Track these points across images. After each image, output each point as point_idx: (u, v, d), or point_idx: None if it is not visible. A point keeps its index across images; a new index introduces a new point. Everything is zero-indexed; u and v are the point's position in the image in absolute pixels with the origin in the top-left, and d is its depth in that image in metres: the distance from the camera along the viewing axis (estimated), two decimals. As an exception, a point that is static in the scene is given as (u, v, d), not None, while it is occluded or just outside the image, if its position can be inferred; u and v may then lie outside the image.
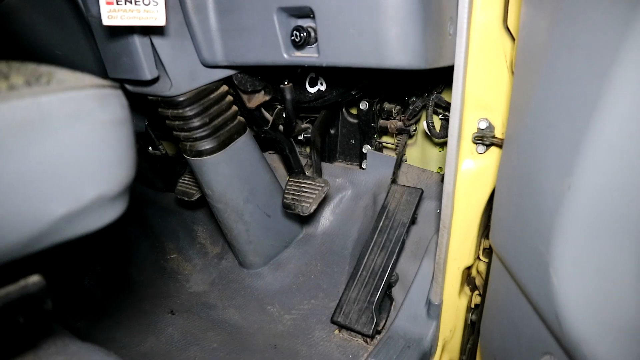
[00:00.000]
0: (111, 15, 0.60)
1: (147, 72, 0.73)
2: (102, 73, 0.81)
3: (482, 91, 0.72)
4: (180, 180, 1.14)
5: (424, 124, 0.96)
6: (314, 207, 0.94)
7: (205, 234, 1.26)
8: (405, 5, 0.58)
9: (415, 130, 1.08)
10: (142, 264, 1.28)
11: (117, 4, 0.60)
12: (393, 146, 1.13)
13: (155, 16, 0.62)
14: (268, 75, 0.93)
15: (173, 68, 0.77)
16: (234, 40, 0.74)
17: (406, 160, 1.15)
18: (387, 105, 1.07)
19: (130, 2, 0.60)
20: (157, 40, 0.74)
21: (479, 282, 0.92)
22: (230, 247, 1.10)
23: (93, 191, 0.33)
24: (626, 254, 0.46)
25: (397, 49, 0.60)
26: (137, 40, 0.71)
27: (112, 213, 0.35)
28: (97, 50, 0.80)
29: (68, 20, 0.86)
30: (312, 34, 0.68)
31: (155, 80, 0.76)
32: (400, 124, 1.07)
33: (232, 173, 0.96)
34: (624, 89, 0.41)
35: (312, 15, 0.66)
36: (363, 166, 1.14)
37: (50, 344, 0.46)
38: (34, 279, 0.34)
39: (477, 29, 0.68)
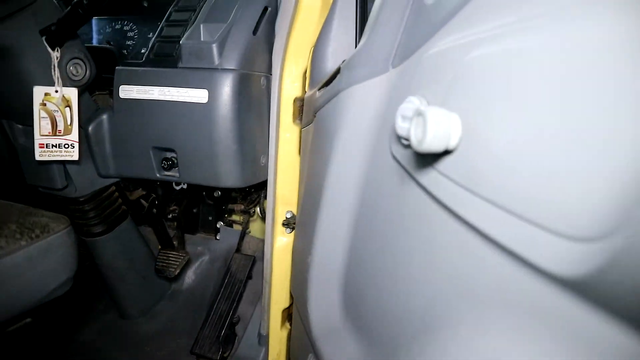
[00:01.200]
0: (42, 154, 0.93)
1: (59, 183, 1.05)
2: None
3: (287, 192, 1.15)
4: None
5: (259, 209, 1.39)
6: (178, 271, 1.30)
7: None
8: (230, 152, 1.00)
9: (254, 211, 1.50)
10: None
11: (47, 147, 0.93)
12: (240, 223, 1.53)
13: (72, 154, 0.96)
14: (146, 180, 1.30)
15: (78, 179, 1.09)
16: (122, 161, 1.09)
17: (250, 232, 1.55)
18: (234, 194, 1.48)
19: (56, 146, 0.94)
20: (68, 164, 1.07)
21: (294, 318, 1.33)
22: (114, 302, 1.40)
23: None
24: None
25: (225, 176, 1.00)
26: (55, 165, 1.04)
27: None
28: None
29: None
30: (175, 162, 1.06)
31: (64, 188, 1.08)
32: (243, 207, 1.48)
33: (117, 249, 1.28)
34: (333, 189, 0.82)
35: (175, 151, 1.05)
36: (217, 237, 1.53)
37: None
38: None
39: (282, 158, 1.12)
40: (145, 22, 1.14)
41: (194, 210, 1.54)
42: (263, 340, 1.23)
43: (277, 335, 1.23)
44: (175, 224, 1.47)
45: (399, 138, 0.45)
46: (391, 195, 0.56)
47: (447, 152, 0.38)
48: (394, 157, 0.53)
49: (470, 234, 0.36)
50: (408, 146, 0.42)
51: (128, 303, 1.36)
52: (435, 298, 0.44)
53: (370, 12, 0.70)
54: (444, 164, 0.39)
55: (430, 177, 0.42)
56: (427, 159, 0.42)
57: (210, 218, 1.54)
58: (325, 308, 0.85)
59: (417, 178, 0.45)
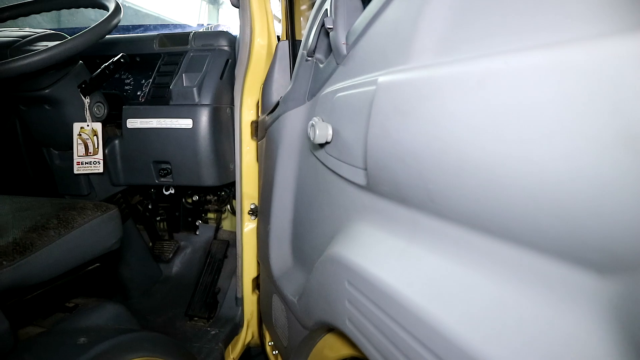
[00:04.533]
0: (78, 169, 1.34)
1: (85, 190, 1.46)
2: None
3: (250, 190, 1.58)
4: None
5: (229, 206, 1.83)
6: (171, 255, 1.71)
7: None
8: (209, 161, 1.43)
9: (225, 209, 1.94)
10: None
11: (82, 164, 1.34)
12: (214, 219, 1.96)
13: (99, 168, 1.37)
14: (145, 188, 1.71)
15: (98, 187, 1.49)
16: (129, 173, 1.50)
17: (222, 227, 1.98)
18: (208, 197, 1.91)
19: (88, 163, 1.35)
20: (91, 176, 1.48)
21: (261, 284, 1.75)
22: (119, 287, 1.79)
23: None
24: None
25: (206, 178, 1.43)
26: (82, 177, 1.45)
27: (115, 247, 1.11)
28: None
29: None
30: (169, 170, 1.49)
31: (88, 194, 1.48)
32: (216, 207, 1.91)
33: (124, 242, 1.67)
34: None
35: (169, 163, 1.47)
36: (197, 233, 1.94)
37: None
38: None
39: (245, 164, 1.56)
40: (139, 72, 1.57)
41: (177, 214, 1.95)
42: (239, 302, 1.61)
43: (250, 298, 1.61)
44: (164, 223, 1.88)
45: (309, 138, 0.91)
46: (309, 173, 1.01)
47: (327, 142, 0.84)
48: (310, 150, 0.98)
49: (339, 179, 0.81)
50: (312, 141, 0.88)
51: (130, 285, 1.74)
52: (332, 219, 0.89)
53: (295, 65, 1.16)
54: (327, 147, 0.85)
55: (322, 154, 0.88)
56: (320, 146, 0.88)
57: (189, 219, 1.96)
58: (281, 258, 1.27)
59: (317, 157, 0.91)
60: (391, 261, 0.60)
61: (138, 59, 1.57)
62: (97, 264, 1.07)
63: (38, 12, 1.44)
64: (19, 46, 1.16)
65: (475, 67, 0.42)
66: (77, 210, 1.01)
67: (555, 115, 0.33)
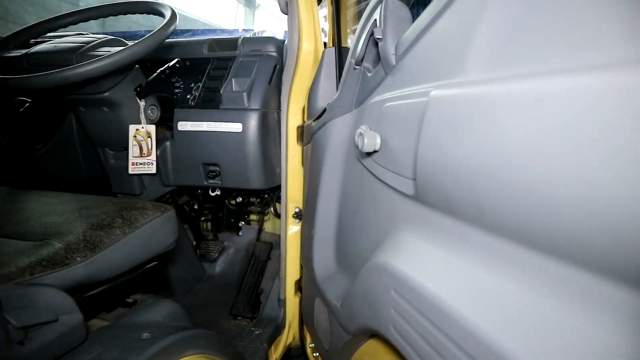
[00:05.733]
0: (133, 169, 1.40)
1: (138, 190, 1.52)
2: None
3: (295, 193, 1.61)
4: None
5: (272, 209, 1.87)
6: (216, 255, 1.76)
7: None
8: (257, 164, 1.46)
9: (267, 211, 1.97)
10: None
11: (136, 165, 1.40)
12: (256, 221, 2.00)
13: (152, 169, 1.43)
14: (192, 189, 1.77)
15: (149, 187, 1.55)
16: (179, 174, 1.55)
17: (264, 229, 2.02)
18: (251, 199, 1.95)
19: (142, 164, 1.41)
20: (143, 176, 1.54)
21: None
22: (165, 285, 1.85)
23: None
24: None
25: (253, 181, 1.47)
26: (135, 177, 1.51)
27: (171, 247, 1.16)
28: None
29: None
30: (217, 172, 1.53)
31: (140, 194, 1.54)
32: (259, 209, 1.95)
33: (171, 240, 1.74)
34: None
35: (218, 165, 1.52)
36: (239, 234, 1.99)
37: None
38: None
39: (290, 168, 1.58)
40: (188, 76, 1.62)
41: (220, 215, 2.00)
42: (282, 303, 1.61)
43: (292, 300, 1.61)
44: (207, 224, 1.94)
45: (357, 146, 0.92)
46: (355, 180, 1.03)
47: (375, 151, 0.85)
48: (357, 158, 1.00)
49: (386, 187, 0.83)
50: (359, 149, 0.89)
51: (176, 283, 1.80)
52: (378, 226, 0.90)
53: (343, 71, 1.18)
54: (374, 156, 0.86)
55: (369, 163, 0.89)
56: (368, 155, 0.89)
57: (232, 220, 2.00)
58: (324, 262, 1.28)
59: (364, 164, 0.92)
60: (438, 271, 0.60)
61: (187, 63, 1.62)
62: (155, 262, 1.12)
63: (96, 19, 1.52)
64: (83, 51, 1.22)
65: (532, 85, 0.42)
66: (139, 210, 1.06)
67: (614, 138, 0.33)
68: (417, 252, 0.68)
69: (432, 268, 0.62)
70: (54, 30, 1.50)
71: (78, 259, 0.87)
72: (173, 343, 0.93)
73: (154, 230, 1.06)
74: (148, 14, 1.44)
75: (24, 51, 1.31)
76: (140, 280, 1.11)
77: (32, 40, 1.49)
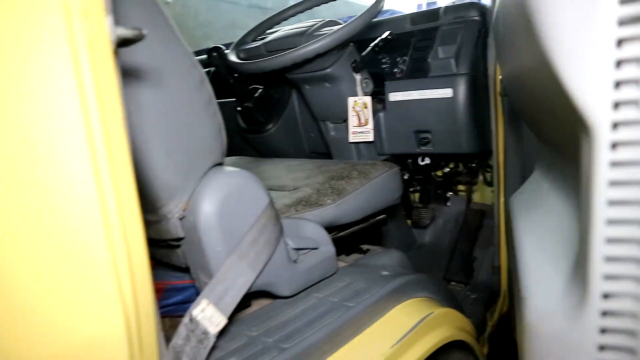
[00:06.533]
0: (353, 138, 1.54)
1: (355, 158, 1.65)
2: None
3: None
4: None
5: (480, 178, 1.85)
6: (429, 221, 1.83)
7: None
8: (468, 128, 1.48)
9: (476, 180, 1.96)
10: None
11: (355, 134, 1.53)
12: (464, 192, 2.01)
13: (369, 137, 1.55)
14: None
15: (365, 155, 1.66)
16: (393, 143, 1.63)
17: (472, 200, 2.02)
18: (459, 169, 1.96)
19: (361, 133, 1.54)
20: (361, 144, 1.67)
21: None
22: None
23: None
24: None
25: (465, 145, 1.46)
26: (353, 147, 1.65)
27: (397, 202, 1.26)
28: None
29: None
30: (429, 139, 1.59)
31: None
32: (467, 179, 1.95)
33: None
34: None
35: (429, 132, 1.57)
36: (447, 204, 2.02)
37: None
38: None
39: (501, 133, 1.57)
40: (394, 51, 1.70)
41: (427, 187, 2.05)
42: (496, 270, 1.62)
43: (506, 266, 1.64)
44: (417, 195, 2.01)
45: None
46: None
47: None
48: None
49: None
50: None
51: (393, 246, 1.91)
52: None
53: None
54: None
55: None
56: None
57: (439, 191, 2.04)
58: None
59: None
60: None
61: (390, 37, 1.70)
62: (384, 215, 1.23)
63: (311, 8, 1.70)
64: (310, 33, 1.39)
65: None
66: (371, 165, 1.17)
67: None
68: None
69: None
70: (278, 23, 1.72)
71: (329, 201, 1.00)
72: (409, 282, 1.02)
73: (384, 183, 1.17)
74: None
75: (261, 42, 1.54)
76: (370, 230, 1.22)
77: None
